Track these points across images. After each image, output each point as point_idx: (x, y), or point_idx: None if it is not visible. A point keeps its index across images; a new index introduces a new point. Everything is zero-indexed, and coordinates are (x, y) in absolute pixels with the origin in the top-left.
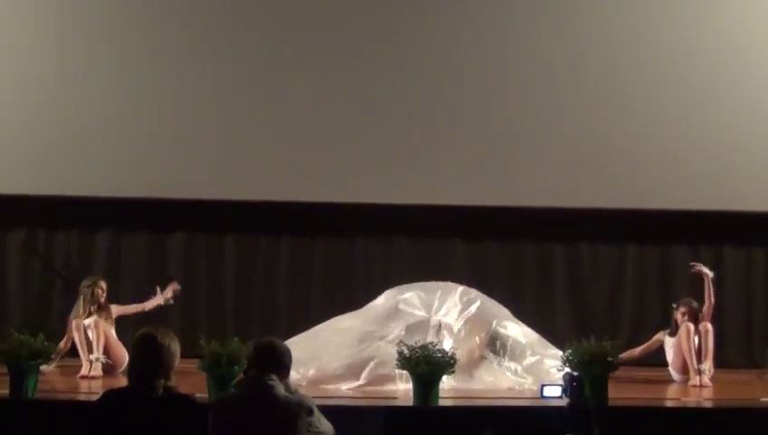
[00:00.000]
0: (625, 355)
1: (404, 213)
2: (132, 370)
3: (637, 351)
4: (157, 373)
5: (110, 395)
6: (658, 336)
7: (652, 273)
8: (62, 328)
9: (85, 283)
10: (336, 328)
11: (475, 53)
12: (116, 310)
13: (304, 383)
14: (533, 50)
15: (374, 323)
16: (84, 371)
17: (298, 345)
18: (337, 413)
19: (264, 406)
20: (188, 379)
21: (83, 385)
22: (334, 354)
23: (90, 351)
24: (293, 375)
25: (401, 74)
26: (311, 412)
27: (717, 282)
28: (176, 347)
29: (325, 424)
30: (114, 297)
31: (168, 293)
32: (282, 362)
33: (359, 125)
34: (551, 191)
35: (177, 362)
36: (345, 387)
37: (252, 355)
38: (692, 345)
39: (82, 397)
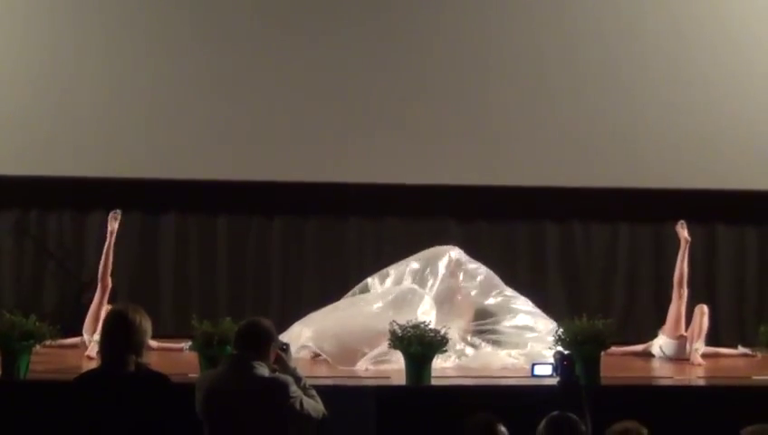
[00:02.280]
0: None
1: (396, 193)
2: (104, 348)
3: (619, 350)
4: (128, 350)
5: (85, 376)
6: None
7: (645, 251)
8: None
9: None
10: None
11: (467, 33)
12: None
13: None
14: (526, 30)
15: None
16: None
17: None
18: (329, 393)
19: (241, 384)
20: None
21: (83, 365)
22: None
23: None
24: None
25: (394, 54)
26: (285, 392)
27: (710, 260)
28: (146, 324)
29: (311, 405)
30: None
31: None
32: (258, 342)
33: (351, 105)
34: (543, 170)
35: (149, 338)
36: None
37: (235, 335)
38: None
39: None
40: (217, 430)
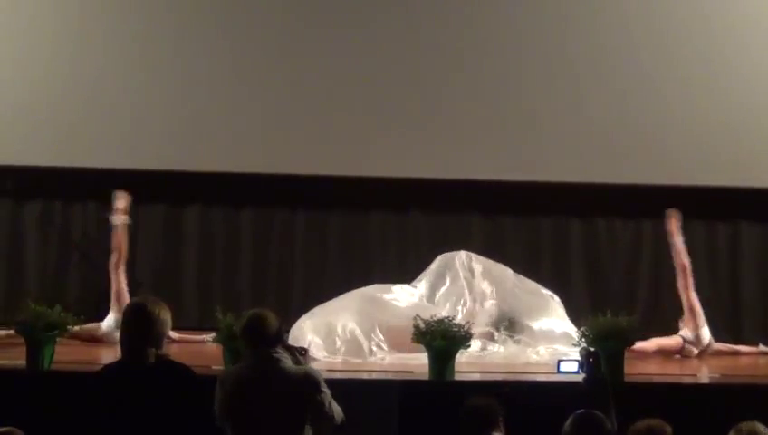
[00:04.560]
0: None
1: (420, 187)
2: (123, 340)
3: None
4: (148, 342)
5: (106, 368)
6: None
7: (669, 248)
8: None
9: None
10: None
11: (492, 26)
12: None
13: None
14: (551, 24)
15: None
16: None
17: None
18: (352, 387)
19: (270, 379)
20: None
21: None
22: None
23: None
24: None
25: (418, 47)
26: (317, 386)
27: (734, 258)
28: (166, 316)
29: (336, 408)
30: (130, 269)
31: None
32: (273, 332)
33: (375, 98)
34: (567, 166)
35: (168, 330)
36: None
37: (242, 330)
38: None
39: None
40: (245, 426)
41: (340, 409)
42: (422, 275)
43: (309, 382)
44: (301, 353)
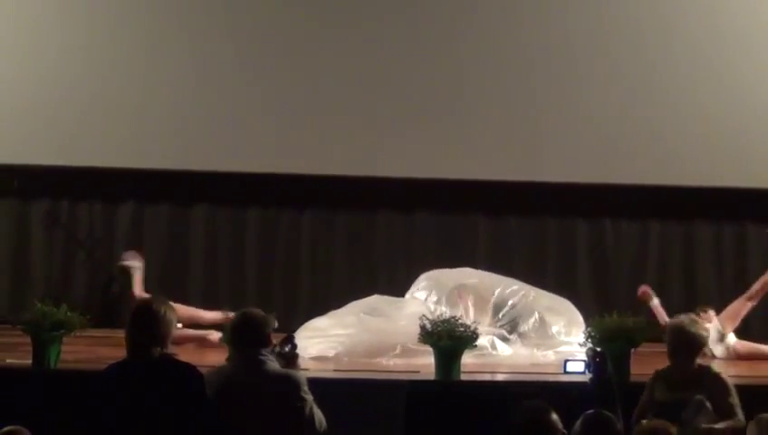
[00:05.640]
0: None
1: (426, 187)
2: (129, 339)
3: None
4: (153, 342)
5: (111, 367)
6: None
7: (675, 249)
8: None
9: None
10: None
11: (498, 26)
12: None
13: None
14: (557, 23)
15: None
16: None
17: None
18: (358, 387)
19: (254, 381)
20: None
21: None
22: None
23: None
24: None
25: (423, 47)
26: (297, 390)
27: (741, 258)
28: (172, 316)
29: (317, 414)
30: None
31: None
32: (261, 333)
33: (381, 98)
34: (574, 167)
35: (174, 330)
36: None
37: (229, 330)
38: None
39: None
40: (230, 425)
41: (322, 414)
42: (417, 290)
43: (289, 386)
44: (291, 360)
